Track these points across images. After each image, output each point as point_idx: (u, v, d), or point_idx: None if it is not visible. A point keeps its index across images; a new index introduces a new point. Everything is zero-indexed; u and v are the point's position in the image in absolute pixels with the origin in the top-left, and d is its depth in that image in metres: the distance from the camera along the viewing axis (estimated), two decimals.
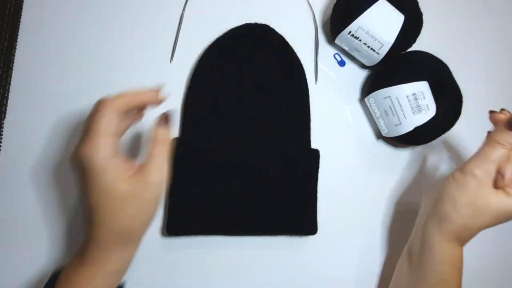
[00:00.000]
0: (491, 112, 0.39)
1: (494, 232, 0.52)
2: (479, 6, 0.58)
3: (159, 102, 0.36)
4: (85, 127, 0.32)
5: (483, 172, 0.36)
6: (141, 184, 0.32)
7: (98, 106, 0.32)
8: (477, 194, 0.37)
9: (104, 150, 0.31)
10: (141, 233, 0.34)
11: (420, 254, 0.41)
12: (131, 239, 0.34)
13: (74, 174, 0.33)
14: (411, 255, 0.43)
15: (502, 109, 0.39)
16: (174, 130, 0.46)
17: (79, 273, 0.32)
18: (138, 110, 0.37)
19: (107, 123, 0.31)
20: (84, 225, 0.34)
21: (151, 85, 0.47)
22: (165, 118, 0.34)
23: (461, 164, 0.39)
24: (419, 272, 0.40)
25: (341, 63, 0.52)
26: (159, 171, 0.32)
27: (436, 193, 0.41)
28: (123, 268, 0.35)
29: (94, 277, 0.32)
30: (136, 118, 0.38)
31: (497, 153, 0.36)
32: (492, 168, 0.36)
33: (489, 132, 0.43)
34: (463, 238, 0.39)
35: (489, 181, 0.37)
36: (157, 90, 0.35)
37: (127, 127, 0.38)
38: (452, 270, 0.39)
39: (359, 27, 0.45)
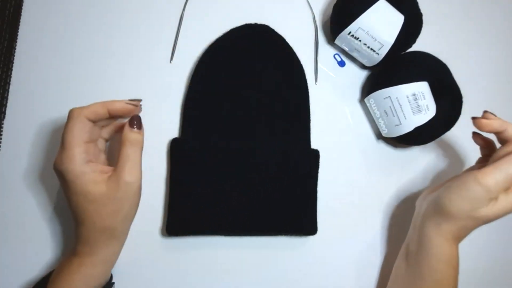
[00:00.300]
0: (473, 118, 0.40)
1: (492, 232, 0.52)
2: (479, 6, 0.58)
3: (129, 112, 0.37)
4: (61, 138, 0.35)
5: (499, 187, 0.36)
6: (114, 185, 0.34)
7: (68, 116, 0.35)
8: (483, 203, 0.37)
9: (77, 158, 0.34)
10: (123, 230, 0.37)
11: (417, 254, 0.41)
12: (114, 235, 0.36)
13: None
14: (408, 255, 0.43)
15: (485, 111, 0.39)
16: (174, 130, 0.46)
17: (69, 263, 0.36)
18: (111, 118, 0.38)
19: (78, 132, 0.34)
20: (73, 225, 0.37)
21: (151, 86, 0.47)
22: (138, 122, 0.36)
23: (475, 173, 0.37)
24: (416, 272, 0.41)
25: (341, 64, 0.52)
26: (131, 171, 0.35)
27: (434, 194, 0.41)
28: (111, 259, 0.38)
29: (80, 266, 0.36)
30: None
31: None
32: (504, 183, 0.36)
33: (474, 133, 0.43)
34: (460, 237, 0.40)
35: (498, 193, 0.37)
36: (129, 105, 0.37)
37: (110, 134, 0.40)
38: (449, 269, 0.40)
39: (359, 27, 0.45)
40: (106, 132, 0.40)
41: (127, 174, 0.34)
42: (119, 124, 0.40)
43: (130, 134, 0.36)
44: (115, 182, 0.34)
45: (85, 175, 0.34)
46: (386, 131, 0.48)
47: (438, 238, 0.39)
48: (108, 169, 0.36)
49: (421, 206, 0.43)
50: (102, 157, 0.39)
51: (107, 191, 0.34)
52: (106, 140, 0.40)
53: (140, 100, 0.38)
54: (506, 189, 0.37)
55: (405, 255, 0.44)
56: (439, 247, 0.39)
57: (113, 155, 0.43)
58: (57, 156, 0.35)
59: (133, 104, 0.37)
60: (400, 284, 0.43)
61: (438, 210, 0.39)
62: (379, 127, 0.49)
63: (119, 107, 0.36)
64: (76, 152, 0.34)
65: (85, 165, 0.34)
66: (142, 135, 0.36)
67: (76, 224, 0.36)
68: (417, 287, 0.41)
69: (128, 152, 0.35)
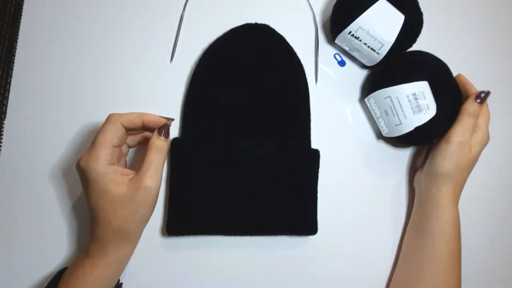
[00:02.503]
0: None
1: (493, 232, 0.52)
2: (480, 6, 0.57)
3: (160, 125, 0.39)
4: (94, 137, 0.37)
5: (465, 138, 0.44)
6: (135, 188, 0.35)
7: (106, 119, 0.37)
8: (463, 154, 0.44)
9: (102, 159, 0.35)
10: (136, 233, 0.38)
11: (427, 222, 0.45)
12: (127, 237, 0.37)
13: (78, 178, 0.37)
14: (417, 226, 0.47)
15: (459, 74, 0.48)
16: (174, 130, 0.46)
17: (82, 265, 0.37)
18: (143, 129, 0.41)
19: (110, 135, 0.36)
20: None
21: (151, 86, 0.47)
22: (166, 131, 0.38)
23: (445, 136, 0.45)
24: (427, 239, 0.45)
25: (341, 63, 0.52)
26: (152, 177, 0.36)
27: (425, 169, 0.47)
28: (122, 261, 0.38)
29: (94, 267, 0.36)
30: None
31: (472, 121, 0.44)
32: (469, 133, 0.44)
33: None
34: (458, 195, 0.46)
35: (468, 144, 0.44)
36: (162, 118, 0.39)
37: (135, 142, 0.42)
38: (455, 230, 0.45)
39: (360, 27, 0.45)
40: (132, 139, 0.42)
41: (149, 178, 0.35)
42: (145, 135, 0.42)
43: (157, 140, 0.37)
44: (136, 185, 0.35)
45: (107, 175, 0.35)
46: (386, 131, 0.48)
47: (443, 201, 0.45)
48: (129, 171, 0.37)
49: (419, 183, 0.48)
50: (123, 160, 0.40)
51: (127, 192, 0.35)
52: (130, 147, 0.42)
53: (173, 119, 0.40)
54: (472, 134, 0.45)
55: (414, 228, 0.47)
56: (446, 209, 0.45)
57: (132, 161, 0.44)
58: (83, 154, 0.36)
59: (166, 118, 0.39)
60: (412, 254, 0.46)
61: (434, 177, 0.46)
62: (379, 127, 0.49)
63: (153, 118, 0.39)
64: (103, 154, 0.35)
65: (107, 166, 0.36)
66: (168, 144, 0.38)
67: (92, 223, 0.37)
68: (429, 251, 0.44)
69: (153, 157, 0.36)
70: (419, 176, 0.49)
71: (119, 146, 0.38)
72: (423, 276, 0.44)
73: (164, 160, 0.38)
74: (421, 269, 0.44)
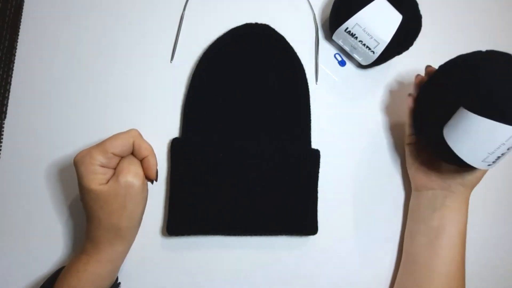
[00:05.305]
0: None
1: (492, 235, 0.52)
2: (480, 10, 0.58)
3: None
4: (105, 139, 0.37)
5: None
6: (116, 184, 0.36)
7: (127, 130, 0.38)
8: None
9: (97, 159, 0.36)
10: (129, 230, 0.38)
11: (446, 227, 0.45)
12: (120, 234, 0.37)
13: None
14: (433, 232, 0.46)
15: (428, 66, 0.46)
16: (175, 130, 0.46)
17: (77, 261, 0.37)
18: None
19: (117, 143, 0.37)
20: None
21: (151, 86, 0.47)
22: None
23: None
24: (444, 243, 0.44)
25: (342, 63, 0.52)
26: (130, 173, 0.37)
27: (435, 187, 0.46)
28: (116, 259, 0.39)
29: (87, 264, 0.37)
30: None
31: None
32: None
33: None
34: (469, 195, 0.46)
35: None
36: (155, 170, 0.40)
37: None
38: (464, 234, 0.45)
39: (356, 23, 0.45)
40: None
41: (126, 173, 0.36)
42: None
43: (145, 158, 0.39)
44: (117, 181, 0.36)
45: (94, 174, 0.36)
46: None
47: (463, 208, 0.45)
48: (110, 171, 0.38)
49: (427, 184, 0.47)
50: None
51: (109, 190, 0.36)
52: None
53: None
54: None
55: (426, 234, 0.46)
56: (465, 214, 0.45)
57: None
58: (83, 149, 0.37)
59: (155, 174, 0.40)
60: (422, 258, 0.45)
61: (462, 187, 0.45)
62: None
63: (152, 166, 0.39)
64: (100, 155, 0.36)
65: (98, 167, 0.36)
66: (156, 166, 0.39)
67: (86, 221, 0.38)
68: (443, 255, 0.44)
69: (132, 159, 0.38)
70: (423, 174, 0.48)
71: (120, 156, 0.38)
72: (430, 281, 0.44)
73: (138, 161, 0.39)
74: (431, 274, 0.44)
